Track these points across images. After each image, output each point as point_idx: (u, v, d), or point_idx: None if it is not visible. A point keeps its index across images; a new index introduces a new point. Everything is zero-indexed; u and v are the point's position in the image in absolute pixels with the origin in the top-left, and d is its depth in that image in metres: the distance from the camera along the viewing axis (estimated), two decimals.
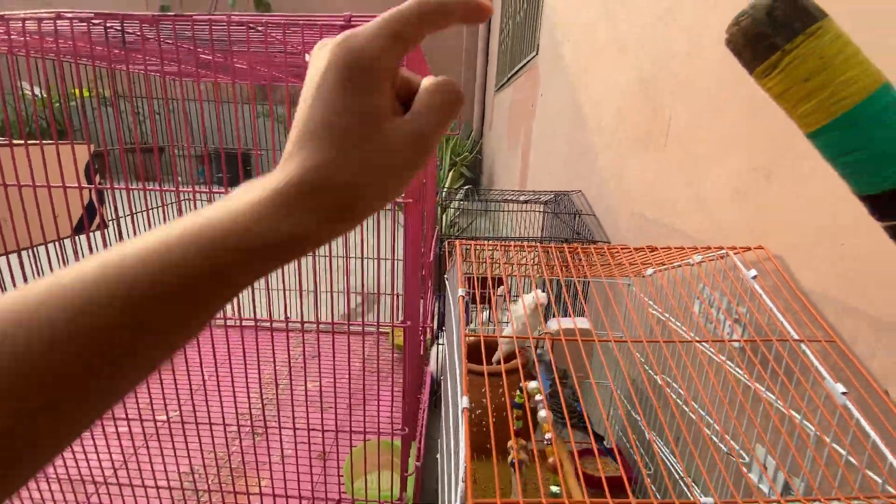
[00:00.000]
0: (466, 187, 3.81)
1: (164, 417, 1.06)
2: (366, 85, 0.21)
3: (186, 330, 0.20)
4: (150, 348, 0.19)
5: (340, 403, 1.45)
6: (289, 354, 0.97)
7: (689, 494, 0.79)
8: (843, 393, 0.58)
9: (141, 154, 1.02)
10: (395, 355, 1.85)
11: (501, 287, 1.27)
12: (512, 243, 0.94)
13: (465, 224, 3.15)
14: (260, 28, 0.79)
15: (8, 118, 0.95)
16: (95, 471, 1.13)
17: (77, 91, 0.88)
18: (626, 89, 1.49)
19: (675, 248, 0.90)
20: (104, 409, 0.18)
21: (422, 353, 1.51)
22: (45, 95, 0.89)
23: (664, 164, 1.20)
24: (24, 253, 0.99)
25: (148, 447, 1.19)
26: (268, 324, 0.95)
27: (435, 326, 1.83)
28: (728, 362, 0.80)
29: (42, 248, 1.01)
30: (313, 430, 1.05)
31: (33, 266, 0.98)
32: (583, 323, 1.05)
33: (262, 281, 1.01)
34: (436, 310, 1.83)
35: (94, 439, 1.14)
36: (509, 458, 0.71)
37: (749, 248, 0.82)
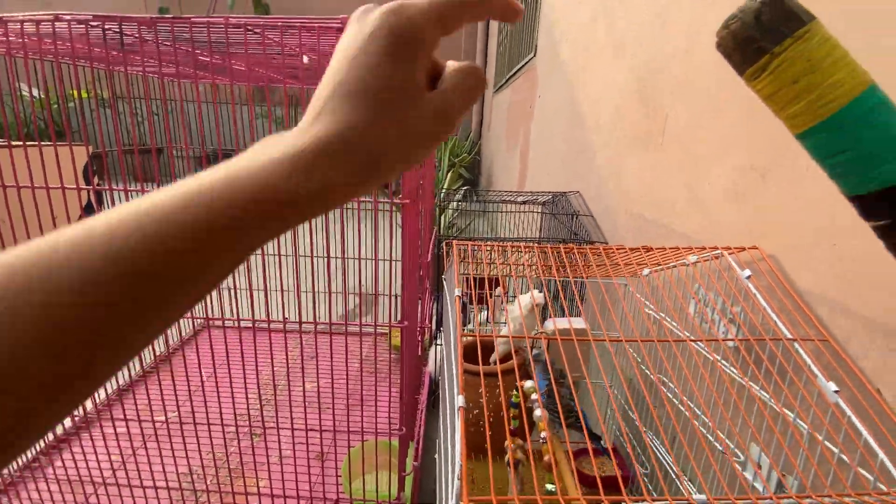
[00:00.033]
0: (465, 188, 3.82)
1: (163, 418, 1.06)
2: (409, 55, 0.23)
3: (212, 277, 0.20)
4: (189, 287, 0.19)
5: (338, 404, 1.45)
6: (287, 355, 0.97)
7: (684, 493, 0.79)
8: (835, 391, 0.59)
9: (139, 155, 1.02)
10: (392, 356, 1.85)
11: (499, 288, 1.27)
12: (508, 244, 0.95)
13: (464, 225, 3.15)
14: (257, 30, 0.80)
15: (6, 120, 0.96)
16: (94, 471, 1.13)
17: (75, 92, 0.88)
18: (624, 88, 1.50)
19: (671, 248, 0.90)
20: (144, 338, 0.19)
21: (420, 353, 1.51)
22: (43, 97, 0.90)
23: (662, 164, 1.20)
24: None
25: (147, 448, 1.19)
26: (266, 325, 0.96)
27: (433, 327, 1.83)
28: (722, 361, 0.81)
29: None
30: (311, 430, 1.06)
31: None
32: (579, 323, 1.05)
33: (261, 282, 1.01)
34: (434, 310, 1.83)
35: (92, 440, 1.14)
36: (506, 458, 0.72)
37: (743, 249, 0.82)
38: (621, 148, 1.49)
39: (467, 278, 1.01)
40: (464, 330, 1.36)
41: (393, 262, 1.79)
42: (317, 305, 0.91)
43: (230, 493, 1.17)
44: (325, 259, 0.92)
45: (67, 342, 0.17)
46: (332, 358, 1.01)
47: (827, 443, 0.60)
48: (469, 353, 1.27)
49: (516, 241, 1.31)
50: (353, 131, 0.22)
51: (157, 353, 1.66)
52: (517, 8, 0.25)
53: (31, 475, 1.20)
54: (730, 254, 0.83)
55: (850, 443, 0.56)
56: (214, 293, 1.77)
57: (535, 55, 3.01)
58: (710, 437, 0.83)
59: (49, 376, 0.16)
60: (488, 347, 1.29)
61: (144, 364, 1.59)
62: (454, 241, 0.94)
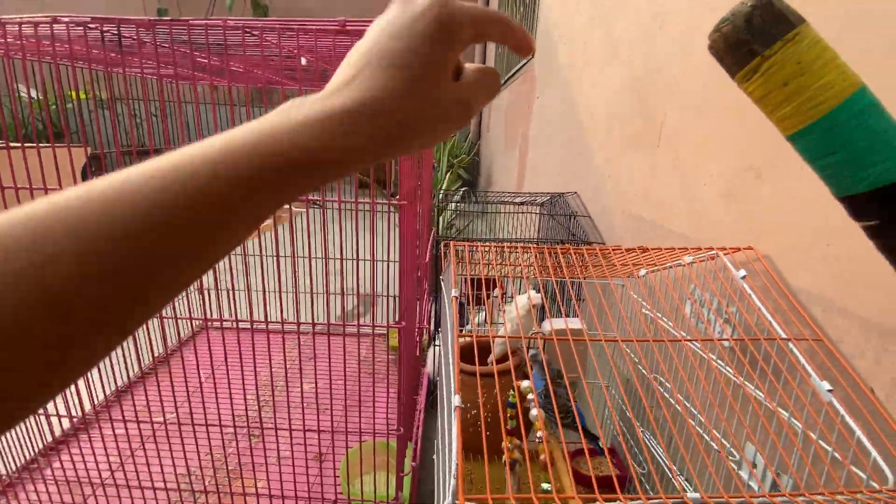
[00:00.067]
0: (464, 189, 3.82)
1: (162, 419, 1.06)
2: (449, 44, 0.25)
3: (245, 228, 0.21)
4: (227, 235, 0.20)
5: (337, 405, 1.45)
6: (285, 356, 0.97)
7: (679, 491, 0.79)
8: (829, 391, 0.59)
9: (138, 156, 1.02)
10: (391, 357, 1.85)
11: (497, 288, 1.28)
12: (506, 244, 0.95)
13: (463, 225, 3.16)
14: (256, 32, 0.80)
15: (5, 121, 0.96)
16: (93, 472, 1.13)
17: (73, 93, 0.88)
18: (621, 90, 1.51)
19: (667, 248, 0.91)
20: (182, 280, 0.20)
21: (418, 354, 1.51)
22: (41, 98, 0.90)
23: (658, 165, 1.21)
24: None
25: (145, 449, 1.19)
26: (264, 326, 0.96)
27: (432, 328, 1.84)
28: (718, 361, 0.81)
29: None
30: (310, 431, 1.06)
31: None
32: (575, 324, 1.06)
33: (260, 282, 1.01)
34: (432, 311, 1.83)
35: (91, 441, 1.14)
36: (503, 457, 0.72)
37: (738, 249, 0.83)
38: (618, 149, 1.50)
39: (465, 279, 1.01)
40: (461, 331, 1.36)
41: (391, 263, 1.79)
42: (315, 306, 0.91)
43: (229, 493, 1.17)
44: (324, 260, 0.92)
45: (133, 269, 0.18)
46: (330, 359, 1.01)
47: (821, 441, 0.60)
48: (467, 354, 1.28)
49: (514, 241, 1.32)
50: (391, 98, 0.23)
51: (156, 355, 1.67)
52: (531, 46, 0.29)
53: (29, 476, 1.20)
54: (725, 254, 0.84)
55: (844, 441, 0.57)
56: (213, 294, 1.77)
57: (532, 56, 3.02)
58: (706, 437, 0.83)
59: (118, 303, 0.17)
60: (486, 348, 1.29)
61: (143, 365, 1.59)
62: (452, 242, 0.94)
